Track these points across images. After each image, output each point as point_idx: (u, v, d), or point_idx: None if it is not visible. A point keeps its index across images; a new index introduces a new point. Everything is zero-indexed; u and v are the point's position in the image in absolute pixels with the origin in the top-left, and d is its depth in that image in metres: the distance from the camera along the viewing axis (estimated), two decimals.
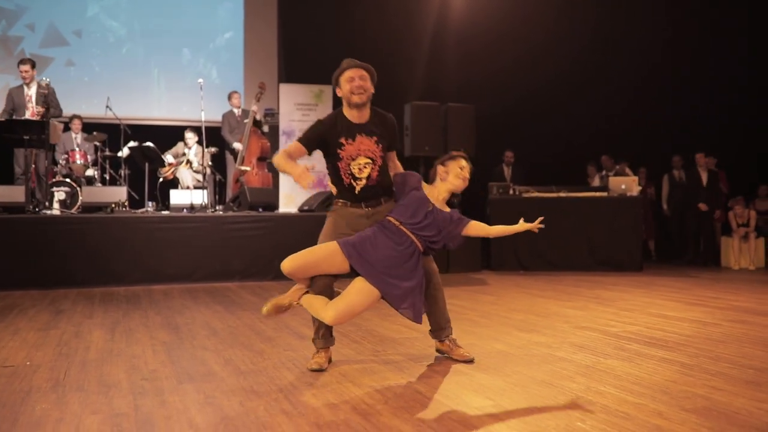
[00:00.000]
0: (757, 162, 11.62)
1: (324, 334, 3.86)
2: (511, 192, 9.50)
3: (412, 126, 9.11)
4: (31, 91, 8.66)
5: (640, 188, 9.52)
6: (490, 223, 9.20)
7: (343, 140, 3.81)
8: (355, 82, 3.80)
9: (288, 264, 3.62)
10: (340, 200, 3.93)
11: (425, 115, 9.19)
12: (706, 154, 10.40)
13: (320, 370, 3.72)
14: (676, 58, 12.09)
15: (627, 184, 9.33)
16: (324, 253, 3.65)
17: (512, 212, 9.13)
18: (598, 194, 9.39)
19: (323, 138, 3.85)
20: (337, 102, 4.00)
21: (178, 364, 3.89)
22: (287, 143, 10.67)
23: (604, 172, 11.00)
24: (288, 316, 5.45)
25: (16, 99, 8.63)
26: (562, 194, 9.31)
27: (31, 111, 8.51)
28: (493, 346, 4.27)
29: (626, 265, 8.95)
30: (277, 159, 3.88)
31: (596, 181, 11.05)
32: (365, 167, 3.84)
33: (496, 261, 9.23)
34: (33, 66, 8.78)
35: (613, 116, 12.24)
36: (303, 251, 3.64)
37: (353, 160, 3.82)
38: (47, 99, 8.36)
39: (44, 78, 8.57)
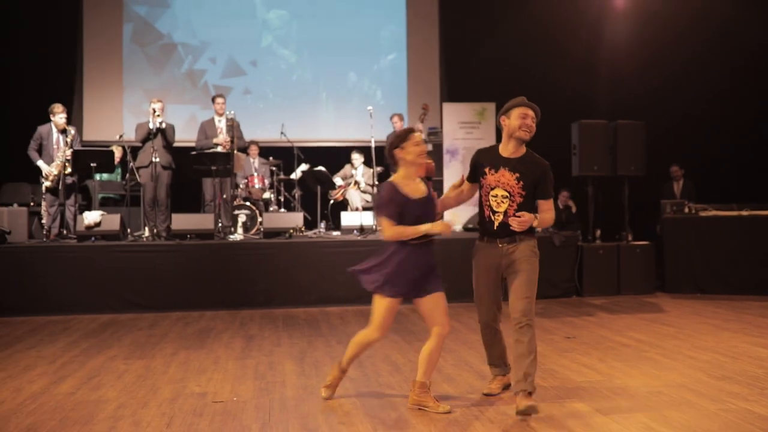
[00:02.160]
0: None
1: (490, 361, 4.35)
2: (686, 210, 9.06)
3: (579, 145, 8.93)
4: (221, 124, 9.37)
5: None
6: (663, 244, 8.89)
7: (487, 169, 4.01)
8: (527, 119, 3.99)
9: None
10: (480, 236, 4.12)
11: (593, 133, 8.97)
12: None
13: (489, 395, 4.21)
14: None
15: None
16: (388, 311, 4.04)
17: (687, 232, 8.83)
18: None
19: (476, 165, 4.12)
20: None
21: (369, 406, 4.09)
22: (451, 162, 10.84)
23: None
24: (463, 348, 5.57)
25: (208, 131, 9.37)
26: (744, 213, 8.76)
27: (222, 143, 9.17)
28: (684, 396, 4.13)
29: None
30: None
31: None
32: (503, 201, 3.96)
33: (671, 283, 8.84)
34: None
35: None
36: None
37: (491, 189, 3.98)
38: (234, 131, 9.04)
39: (230, 111, 9.25)
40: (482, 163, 4.05)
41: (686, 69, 11.65)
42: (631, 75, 11.78)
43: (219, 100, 9.51)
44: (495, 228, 3.99)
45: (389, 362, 5.22)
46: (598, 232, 9.24)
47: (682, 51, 11.59)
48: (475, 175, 4.11)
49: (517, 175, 3.95)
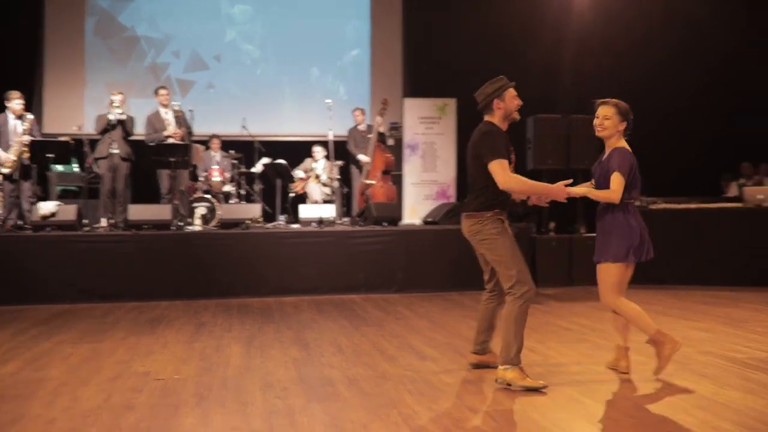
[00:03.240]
0: None
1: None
2: (636, 203, 9.24)
3: (534, 139, 9.11)
4: (168, 116, 9.38)
5: None
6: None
7: (511, 149, 4.13)
8: (518, 100, 4.17)
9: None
10: (498, 210, 4.13)
11: (548, 127, 9.17)
12: None
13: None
14: None
15: (765, 194, 8.88)
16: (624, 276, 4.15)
17: None
18: (731, 205, 8.99)
19: (506, 145, 4.09)
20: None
21: (307, 382, 4.19)
22: (411, 157, 10.94)
23: (742, 180, 10.48)
24: (410, 333, 5.69)
25: (156, 124, 9.37)
26: (692, 206, 8.99)
27: (173, 134, 9.18)
28: (609, 372, 4.29)
29: (763, 279, 8.51)
30: (519, 184, 4.09)
31: (733, 190, 10.54)
32: None
33: None
34: None
35: (743, 117, 11.61)
36: (616, 292, 4.16)
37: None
38: (182, 121, 9.09)
39: (175, 102, 9.30)
40: (506, 144, 4.11)
41: (654, 69, 11.85)
42: (592, 73, 11.97)
43: (162, 91, 9.52)
44: (508, 204, 4.21)
45: (335, 344, 5.32)
46: (553, 225, 9.42)
47: (649, 52, 11.80)
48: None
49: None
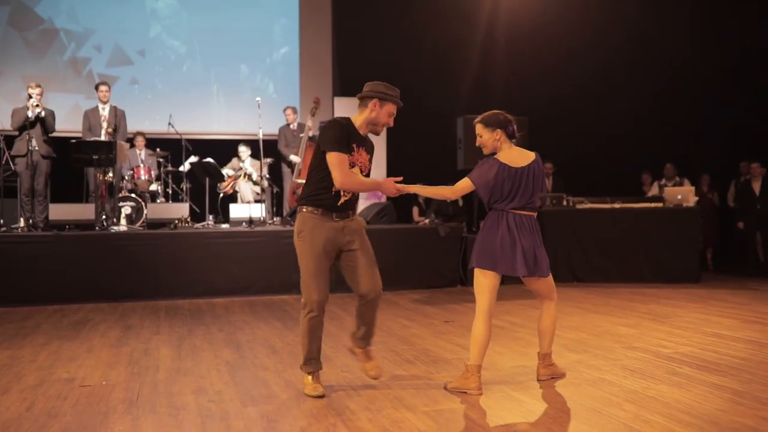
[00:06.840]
0: None
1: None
2: (564, 203, 9.50)
3: (465, 139, 9.18)
4: (106, 112, 9.09)
5: (696, 198, 9.39)
6: (543, 235, 9.28)
7: (354, 146, 3.84)
8: (391, 119, 3.93)
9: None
10: (311, 207, 3.83)
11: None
12: (762, 164, 10.17)
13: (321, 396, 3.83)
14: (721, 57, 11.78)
15: (683, 194, 9.23)
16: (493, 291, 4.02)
17: (566, 224, 9.24)
18: (653, 205, 9.31)
19: (346, 139, 3.80)
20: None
21: (242, 385, 4.10)
22: None
23: (663, 181, 10.84)
24: (345, 334, 5.65)
25: (92, 120, 9.07)
26: (617, 205, 9.27)
27: (105, 131, 8.92)
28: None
29: (683, 277, 8.84)
30: (356, 184, 3.82)
31: (654, 189, 10.90)
32: None
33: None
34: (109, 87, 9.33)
35: (655, 118, 12.06)
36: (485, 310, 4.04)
37: (351, 168, 3.81)
38: (118, 121, 8.82)
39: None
40: (348, 139, 3.82)
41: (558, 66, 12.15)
42: (523, 75, 12.13)
43: (102, 87, 9.24)
44: (339, 204, 3.83)
45: (268, 346, 5.24)
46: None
47: (555, 49, 12.07)
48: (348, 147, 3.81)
49: (369, 156, 3.98)
